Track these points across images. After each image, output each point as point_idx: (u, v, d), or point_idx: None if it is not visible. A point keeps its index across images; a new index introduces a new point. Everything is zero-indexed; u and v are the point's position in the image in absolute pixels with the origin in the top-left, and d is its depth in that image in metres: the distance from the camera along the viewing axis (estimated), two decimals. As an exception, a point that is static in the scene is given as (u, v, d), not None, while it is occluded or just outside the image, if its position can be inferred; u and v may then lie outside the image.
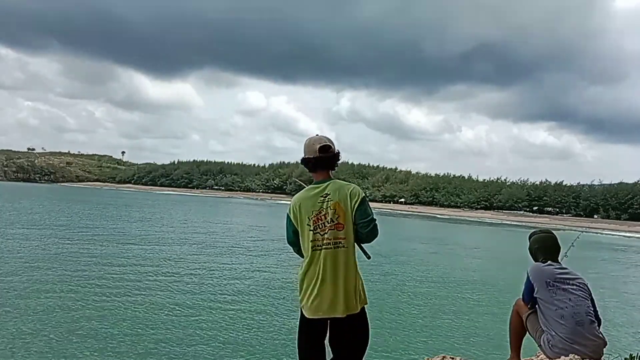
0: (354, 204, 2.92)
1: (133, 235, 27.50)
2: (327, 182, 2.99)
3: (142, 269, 17.01)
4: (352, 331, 2.98)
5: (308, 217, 2.92)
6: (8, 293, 12.48)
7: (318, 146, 2.99)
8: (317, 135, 3.12)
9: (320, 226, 2.90)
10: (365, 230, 2.95)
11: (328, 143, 3.00)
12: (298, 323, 3.06)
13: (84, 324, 10.30)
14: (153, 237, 26.72)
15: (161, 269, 17.12)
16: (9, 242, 21.56)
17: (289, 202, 3.08)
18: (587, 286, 3.60)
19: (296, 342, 3.09)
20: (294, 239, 3.04)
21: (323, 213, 2.91)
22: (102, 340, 9.39)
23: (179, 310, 11.82)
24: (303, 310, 2.99)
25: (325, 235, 2.89)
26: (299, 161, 3.14)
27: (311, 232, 2.91)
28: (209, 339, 9.80)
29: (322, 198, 2.93)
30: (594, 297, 3.63)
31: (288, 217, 3.01)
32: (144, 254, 20.50)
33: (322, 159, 2.99)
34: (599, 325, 3.55)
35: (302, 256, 3.04)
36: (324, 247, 2.89)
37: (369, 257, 3.09)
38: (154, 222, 37.45)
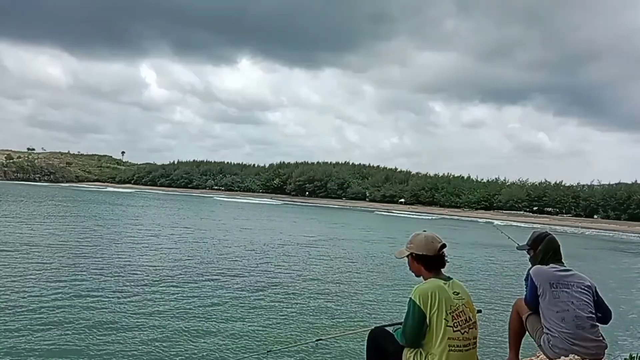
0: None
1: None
2: (451, 280, 2.97)
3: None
4: None
5: (446, 312, 2.77)
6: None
7: (439, 245, 2.97)
8: (425, 231, 3.10)
9: (461, 324, 2.80)
10: None
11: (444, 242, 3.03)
12: None
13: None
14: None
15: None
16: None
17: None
18: (590, 288, 3.58)
19: None
20: (416, 330, 2.80)
21: (460, 310, 2.83)
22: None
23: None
24: None
25: (467, 335, 2.81)
26: (410, 250, 3.01)
27: (449, 327, 2.76)
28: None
29: (455, 295, 2.87)
30: (602, 298, 3.61)
31: (414, 303, 2.79)
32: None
33: (443, 257, 2.98)
34: (608, 321, 3.59)
35: (408, 345, 2.88)
36: (464, 348, 2.78)
37: None
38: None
